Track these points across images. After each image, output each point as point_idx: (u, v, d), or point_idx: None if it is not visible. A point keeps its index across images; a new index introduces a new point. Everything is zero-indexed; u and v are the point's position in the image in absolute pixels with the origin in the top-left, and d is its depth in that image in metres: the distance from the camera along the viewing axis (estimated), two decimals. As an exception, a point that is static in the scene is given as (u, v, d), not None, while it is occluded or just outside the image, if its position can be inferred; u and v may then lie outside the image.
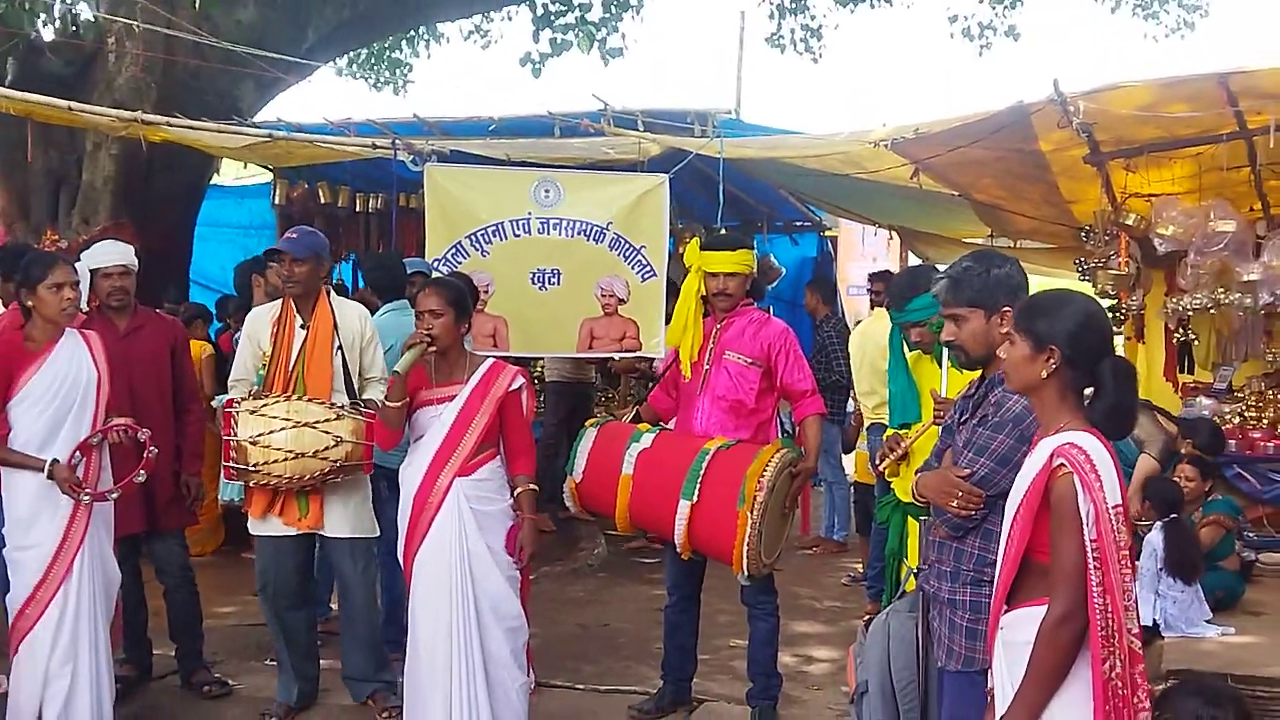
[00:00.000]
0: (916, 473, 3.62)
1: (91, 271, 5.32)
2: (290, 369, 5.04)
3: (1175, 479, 6.43)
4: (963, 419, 3.47)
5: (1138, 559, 6.02)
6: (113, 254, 5.41)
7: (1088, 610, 2.70)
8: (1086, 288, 6.81)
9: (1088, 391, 2.91)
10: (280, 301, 5.22)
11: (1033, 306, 2.97)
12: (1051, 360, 2.85)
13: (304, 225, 5.39)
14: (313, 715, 5.28)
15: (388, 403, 4.62)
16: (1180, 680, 2.76)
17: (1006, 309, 3.26)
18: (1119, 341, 8.03)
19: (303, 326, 5.10)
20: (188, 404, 5.56)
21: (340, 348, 5.10)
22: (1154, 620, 5.81)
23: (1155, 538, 5.94)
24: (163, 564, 5.53)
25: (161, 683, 5.61)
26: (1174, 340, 7.12)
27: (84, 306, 5.24)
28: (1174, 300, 6.64)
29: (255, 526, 5.15)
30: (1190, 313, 6.65)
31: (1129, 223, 6.63)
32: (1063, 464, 2.75)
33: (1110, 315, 7.28)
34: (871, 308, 9.01)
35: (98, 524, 4.72)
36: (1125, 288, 6.84)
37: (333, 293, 5.31)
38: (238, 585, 7.07)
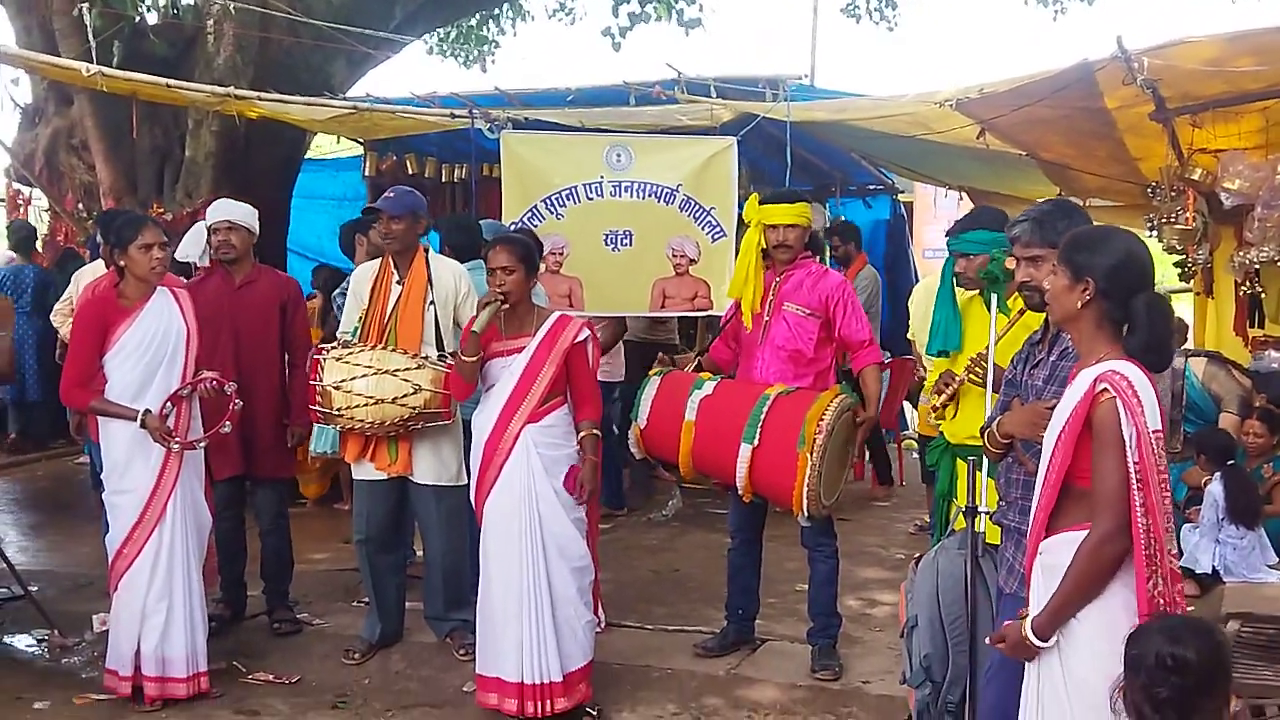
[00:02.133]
0: (982, 429, 3.63)
1: (207, 229, 5.64)
2: (385, 322, 5.23)
3: (1244, 434, 6.47)
4: (1030, 365, 3.52)
5: (1196, 507, 6.11)
6: (219, 210, 5.69)
7: (1131, 531, 2.78)
8: (1154, 243, 6.78)
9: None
10: (381, 259, 5.44)
11: (1075, 239, 3.04)
12: (1086, 291, 2.92)
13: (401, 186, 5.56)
14: (394, 652, 5.48)
15: (464, 357, 4.77)
16: (1151, 618, 2.82)
17: None
18: (1189, 298, 7.99)
19: (399, 282, 5.28)
20: (296, 359, 5.68)
21: (433, 303, 5.27)
22: (1213, 567, 5.89)
23: (1215, 488, 5.99)
24: (260, 509, 5.79)
25: (254, 621, 5.87)
26: (1243, 294, 7.04)
27: (204, 262, 5.65)
28: (1241, 254, 6.56)
29: (354, 471, 5.39)
30: (1258, 266, 6.55)
31: (1195, 178, 6.57)
32: (1106, 389, 2.82)
33: (1179, 270, 7.28)
34: (834, 262, 8.90)
35: (189, 471, 4.95)
36: (1192, 242, 6.78)
37: (431, 250, 5.47)
38: (331, 533, 7.41)
